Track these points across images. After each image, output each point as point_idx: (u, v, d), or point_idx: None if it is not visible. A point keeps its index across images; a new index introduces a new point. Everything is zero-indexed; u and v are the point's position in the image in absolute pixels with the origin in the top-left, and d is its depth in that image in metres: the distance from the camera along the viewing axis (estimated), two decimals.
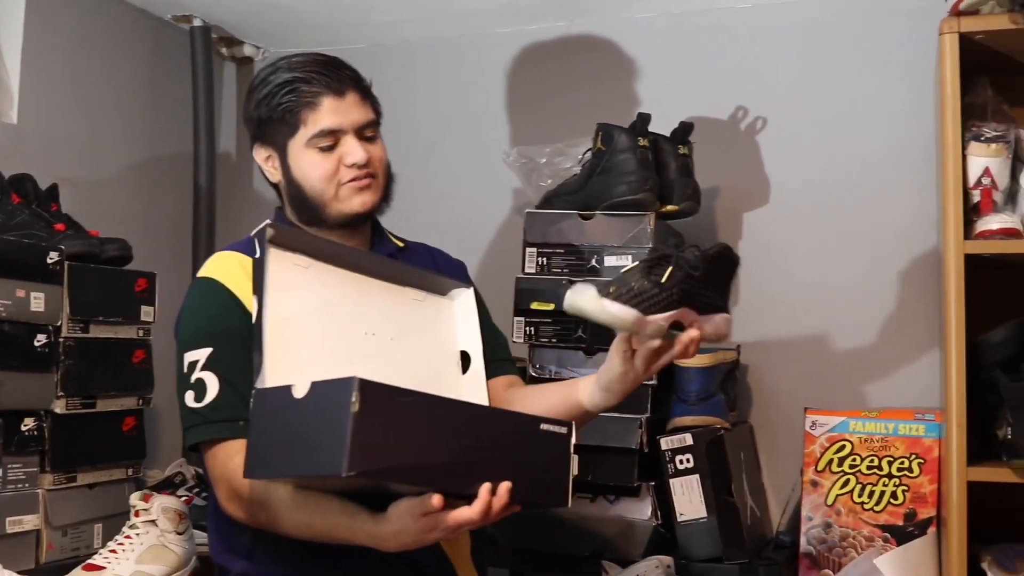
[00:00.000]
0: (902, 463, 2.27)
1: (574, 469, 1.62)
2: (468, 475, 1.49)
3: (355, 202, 1.82)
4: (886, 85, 2.49)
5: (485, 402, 1.83)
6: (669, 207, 2.31)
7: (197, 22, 2.85)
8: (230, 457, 1.64)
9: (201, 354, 1.67)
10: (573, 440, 1.62)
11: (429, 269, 1.93)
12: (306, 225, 1.83)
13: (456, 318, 1.89)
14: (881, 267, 2.47)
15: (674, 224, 2.45)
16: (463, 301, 1.89)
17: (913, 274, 2.44)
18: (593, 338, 2.25)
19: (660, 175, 2.30)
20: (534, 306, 2.30)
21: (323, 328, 1.70)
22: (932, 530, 2.21)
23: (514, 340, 2.31)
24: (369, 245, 1.91)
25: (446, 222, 2.73)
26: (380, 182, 1.85)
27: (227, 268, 1.75)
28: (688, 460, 2.21)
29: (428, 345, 1.83)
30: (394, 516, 1.52)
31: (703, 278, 1.68)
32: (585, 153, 2.37)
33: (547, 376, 2.29)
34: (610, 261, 2.27)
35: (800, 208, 2.55)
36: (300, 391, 1.45)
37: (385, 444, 1.42)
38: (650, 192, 2.24)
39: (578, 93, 2.72)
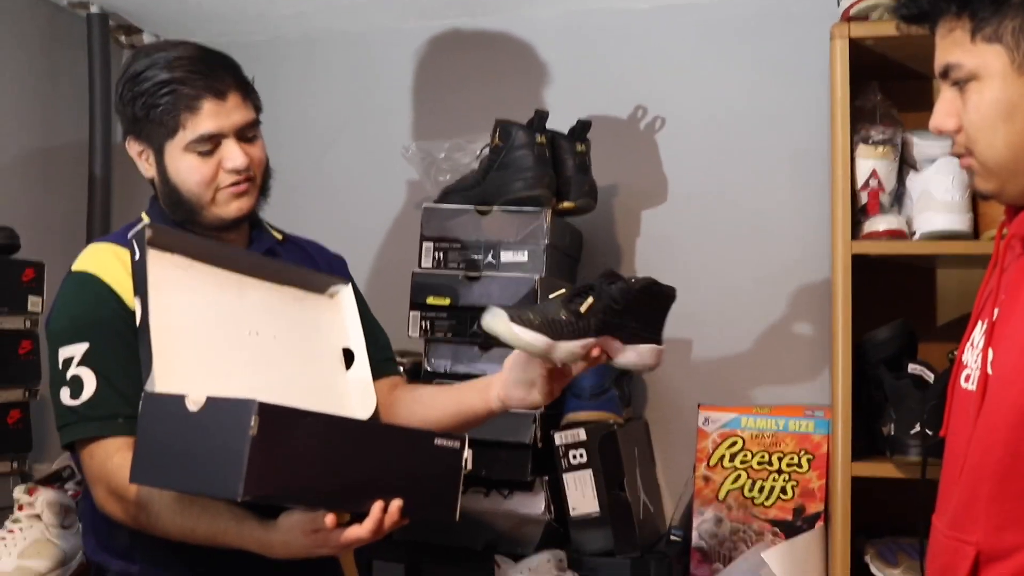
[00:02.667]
0: (791, 459, 2.30)
1: (462, 483, 1.65)
2: (362, 493, 1.51)
3: (232, 207, 1.78)
4: (782, 88, 2.52)
5: (372, 402, 1.82)
6: (566, 204, 2.32)
7: (95, 9, 2.79)
8: (109, 456, 1.61)
9: (77, 350, 1.64)
10: (465, 455, 1.63)
11: (307, 264, 1.92)
12: (181, 224, 1.79)
13: (337, 316, 1.88)
14: (775, 267, 2.51)
15: (572, 221, 2.46)
16: (343, 298, 1.89)
17: (806, 274, 2.48)
18: (488, 334, 2.24)
19: (557, 172, 2.31)
20: (430, 300, 2.29)
21: (209, 329, 1.69)
22: (820, 524, 2.25)
23: (409, 335, 2.31)
24: (248, 240, 1.88)
25: (343, 215, 2.73)
26: (258, 184, 1.82)
27: (102, 261, 1.72)
28: (581, 455, 2.22)
29: (311, 344, 1.82)
30: (284, 527, 1.52)
31: (625, 310, 1.70)
32: (483, 149, 2.37)
33: (442, 371, 2.29)
34: (506, 257, 2.27)
35: (696, 207, 2.58)
36: (194, 404, 1.44)
37: (282, 468, 1.42)
38: (546, 189, 2.25)
39: (479, 89, 2.72)
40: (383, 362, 1.92)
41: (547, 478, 2.26)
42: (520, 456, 2.23)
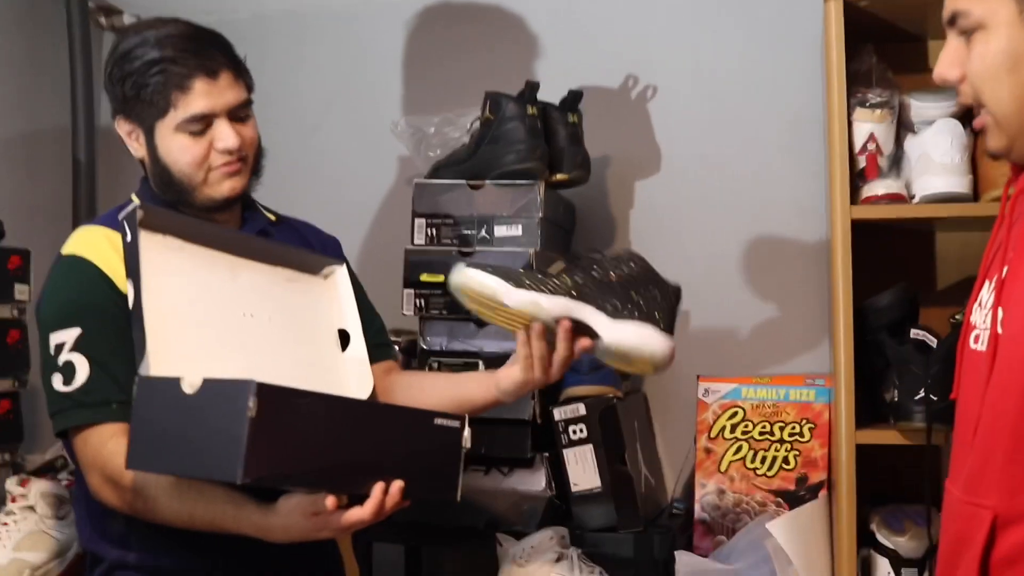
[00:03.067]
0: (793, 428, 2.28)
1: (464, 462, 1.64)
2: (362, 474, 1.49)
3: (224, 187, 1.75)
4: (774, 54, 2.49)
5: (369, 383, 1.79)
6: (559, 176, 2.28)
7: None
8: (103, 442, 1.58)
9: (69, 335, 1.61)
10: (466, 434, 1.61)
11: (301, 246, 1.89)
12: (172, 205, 1.76)
13: (332, 297, 1.86)
14: (772, 236, 2.48)
15: (565, 194, 2.43)
16: (337, 279, 1.86)
17: (804, 242, 2.45)
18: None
19: (549, 144, 2.27)
20: (424, 278, 2.26)
21: (202, 311, 1.66)
22: (823, 494, 2.23)
23: (404, 313, 2.28)
24: (240, 221, 1.85)
25: (333, 194, 2.69)
26: (250, 163, 1.79)
27: (93, 244, 1.68)
28: (581, 430, 2.19)
29: (306, 325, 1.80)
30: (284, 510, 1.49)
31: (610, 285, 1.67)
32: (473, 122, 2.33)
33: (437, 349, 2.26)
34: (500, 231, 2.24)
35: (691, 177, 2.55)
36: (190, 386, 1.41)
37: (281, 449, 1.39)
38: (539, 161, 2.22)
39: (468, 62, 2.68)
40: (378, 347, 1.89)
41: (547, 454, 2.23)
42: (519, 433, 2.21)
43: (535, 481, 2.23)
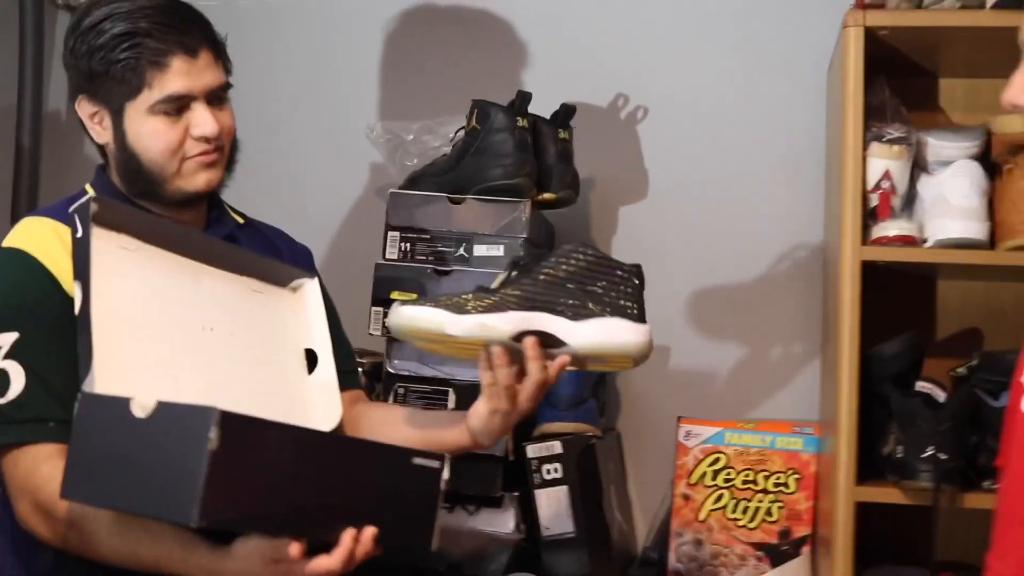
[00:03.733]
0: (779, 478, 2.15)
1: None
2: (332, 518, 1.31)
3: (200, 180, 1.58)
4: (778, 80, 2.35)
5: (337, 412, 1.62)
6: (546, 195, 2.13)
7: None
8: (36, 465, 1.39)
9: (5, 339, 1.42)
10: (445, 475, 1.45)
11: (269, 253, 1.72)
12: (136, 197, 1.58)
13: (300, 312, 1.68)
14: (762, 272, 2.34)
15: (546, 214, 2.27)
16: (307, 293, 1.68)
17: (796, 281, 2.32)
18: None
19: (538, 161, 2.12)
20: (394, 295, 2.08)
21: (158, 322, 1.47)
22: (806, 550, 2.10)
23: (371, 332, 2.11)
24: (206, 222, 1.68)
25: (297, 199, 2.51)
26: (227, 153, 1.62)
27: (40, 238, 1.50)
28: (556, 470, 2.04)
29: (270, 343, 1.62)
30: (240, 555, 1.31)
31: (556, 282, 1.50)
32: (457, 132, 2.17)
33: (405, 374, 2.09)
34: (479, 250, 2.08)
35: (679, 205, 2.40)
36: (142, 409, 1.23)
37: (244, 488, 1.22)
38: (527, 177, 2.06)
39: (449, 67, 2.51)
40: (346, 374, 1.71)
41: (517, 494, 2.07)
42: (490, 469, 2.04)
43: (503, 522, 2.06)
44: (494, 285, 1.53)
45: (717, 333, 2.36)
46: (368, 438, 1.63)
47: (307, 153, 2.58)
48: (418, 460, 1.44)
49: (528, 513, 2.06)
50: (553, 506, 2.04)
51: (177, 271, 1.53)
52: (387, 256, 2.13)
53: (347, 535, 1.32)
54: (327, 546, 1.32)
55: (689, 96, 2.41)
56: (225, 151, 1.62)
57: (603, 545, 2.03)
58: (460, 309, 1.48)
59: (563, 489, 2.03)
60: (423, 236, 2.11)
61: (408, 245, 2.12)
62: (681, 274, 2.37)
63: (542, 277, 1.51)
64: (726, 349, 2.35)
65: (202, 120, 1.55)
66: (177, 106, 1.54)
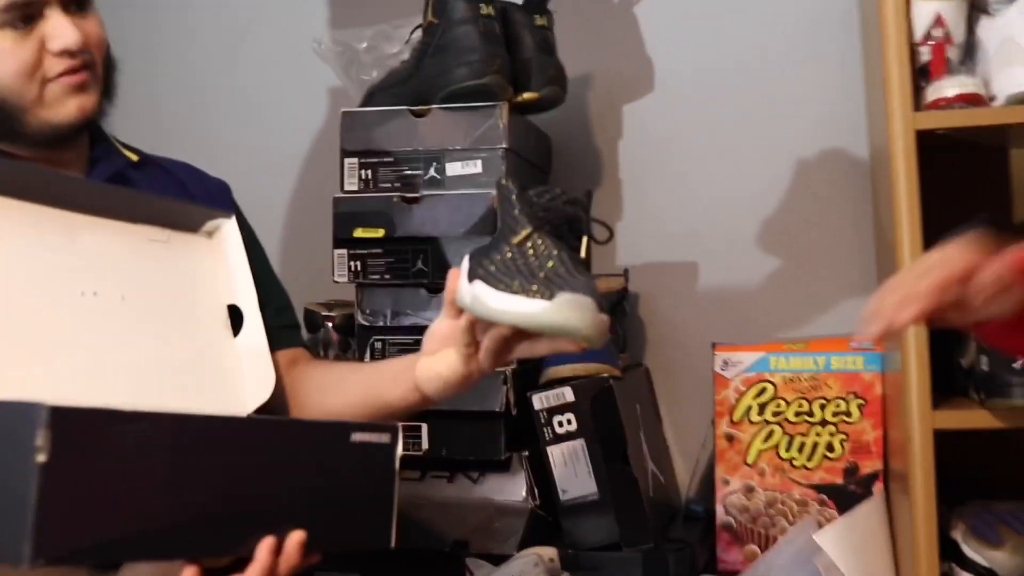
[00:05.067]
0: (838, 405, 1.81)
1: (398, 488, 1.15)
2: (237, 528, 0.99)
3: (70, 106, 1.27)
4: None
5: (270, 382, 1.30)
6: (526, 95, 1.77)
7: None
8: None
9: None
10: (399, 452, 1.12)
11: (175, 194, 1.39)
12: None
13: (217, 262, 1.36)
14: (797, 165, 1.98)
15: (537, 122, 1.92)
16: (225, 236, 1.35)
17: (837, 171, 1.96)
18: (436, 270, 1.72)
19: (512, 55, 1.76)
20: (358, 233, 1.75)
21: (17, 293, 1.15)
22: (879, 487, 1.76)
23: (336, 279, 1.77)
24: (88, 163, 1.35)
25: (256, 137, 2.18)
26: (100, 76, 1.31)
27: None
28: (569, 421, 1.71)
29: (180, 303, 1.30)
30: None
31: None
32: (412, 32, 1.82)
33: (380, 325, 1.76)
34: (453, 169, 1.73)
35: (694, 96, 2.04)
36: None
37: (97, 507, 0.89)
38: (498, 74, 1.70)
39: None
40: (280, 329, 1.40)
41: (527, 454, 1.74)
42: (490, 428, 1.71)
43: (513, 489, 1.74)
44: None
45: (751, 243, 2.01)
46: (312, 408, 1.32)
47: (261, 79, 2.25)
48: (359, 436, 1.11)
49: (541, 475, 1.74)
50: (570, 464, 1.71)
51: (46, 226, 1.21)
52: (346, 188, 1.79)
53: (263, 547, 1.01)
54: (242, 563, 1.01)
55: None
56: (98, 70, 1.30)
57: (634, 505, 1.70)
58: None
59: (579, 443, 1.70)
60: (385, 160, 1.77)
61: (368, 172, 1.78)
62: (702, 177, 2.03)
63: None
64: (763, 260, 2.00)
65: (60, 29, 1.24)
66: (23, 14, 1.23)
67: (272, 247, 1.85)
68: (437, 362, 1.24)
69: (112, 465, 0.91)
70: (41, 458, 0.85)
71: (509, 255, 1.15)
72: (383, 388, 1.30)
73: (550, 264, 1.13)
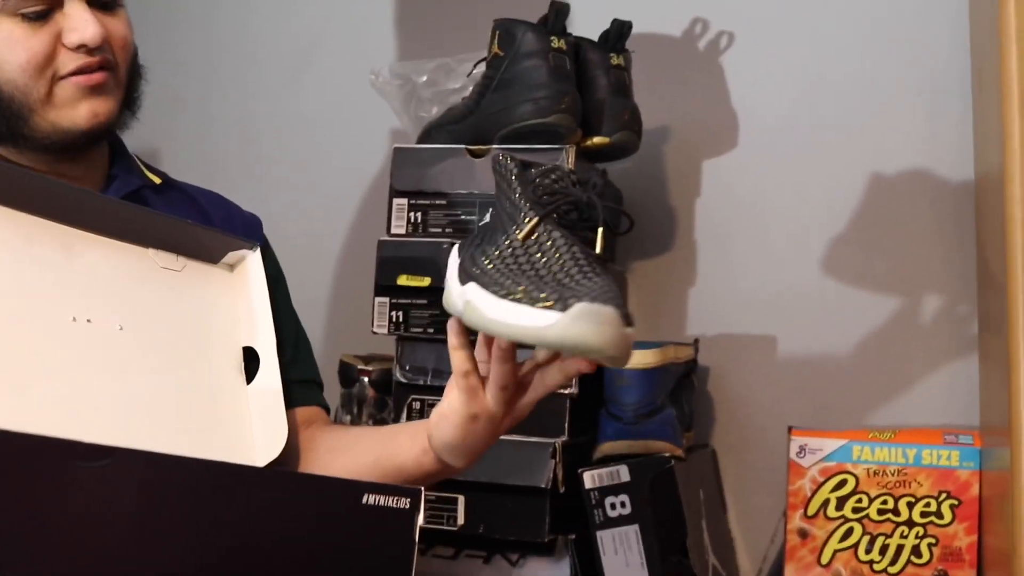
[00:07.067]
0: (928, 505, 1.62)
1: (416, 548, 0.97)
2: None
3: (81, 110, 1.15)
4: None
5: (282, 435, 1.14)
6: (596, 139, 1.61)
7: None
8: None
9: None
10: (419, 521, 0.95)
11: (196, 220, 1.25)
12: None
13: (237, 296, 1.21)
14: (893, 232, 1.81)
15: (609, 173, 1.77)
16: (248, 269, 1.21)
17: (939, 242, 1.78)
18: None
19: (584, 94, 1.62)
20: (402, 281, 1.60)
21: (5, 310, 1.01)
22: None
23: (375, 330, 1.62)
24: (104, 181, 1.23)
25: (304, 168, 2.07)
26: (122, 79, 1.18)
27: None
28: (624, 504, 1.53)
29: (188, 339, 1.15)
30: None
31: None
32: (476, 65, 1.68)
33: (420, 383, 1.60)
34: None
35: (780, 152, 1.88)
36: None
37: (37, 546, 0.74)
38: (566, 114, 1.55)
39: None
40: (299, 384, 1.25)
41: (573, 537, 1.57)
42: (534, 506, 1.54)
43: (556, 575, 1.56)
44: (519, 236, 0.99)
45: (838, 315, 1.83)
46: (319, 472, 1.16)
47: (316, 114, 2.14)
48: (372, 498, 0.94)
49: (588, 563, 1.56)
50: (621, 553, 1.53)
51: (35, 239, 1.07)
52: (393, 231, 1.64)
53: None
54: None
55: (784, 14, 1.89)
56: (119, 73, 1.18)
57: None
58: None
59: (634, 529, 1.53)
60: (437, 202, 1.63)
61: (418, 215, 1.63)
62: (788, 244, 1.86)
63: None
64: (851, 336, 1.82)
65: (78, 22, 1.13)
66: (41, 5, 1.12)
67: (311, 290, 1.71)
68: (441, 401, 1.07)
69: (64, 503, 0.75)
70: None
71: (510, 251, 0.95)
72: (398, 450, 1.13)
73: (562, 264, 0.93)
